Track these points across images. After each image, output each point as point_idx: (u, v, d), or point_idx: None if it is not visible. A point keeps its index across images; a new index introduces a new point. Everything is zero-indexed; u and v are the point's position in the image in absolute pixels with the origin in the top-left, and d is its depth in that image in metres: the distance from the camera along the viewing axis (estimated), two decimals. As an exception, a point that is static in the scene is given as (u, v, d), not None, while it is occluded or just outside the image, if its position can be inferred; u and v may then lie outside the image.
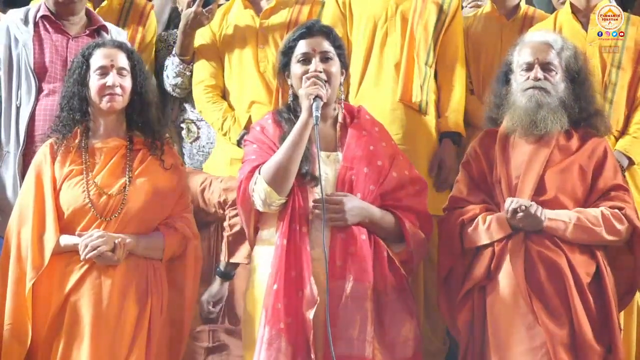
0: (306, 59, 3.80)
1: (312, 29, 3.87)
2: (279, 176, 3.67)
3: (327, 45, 3.82)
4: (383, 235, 3.79)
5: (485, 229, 3.88)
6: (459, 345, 4.02)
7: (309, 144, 3.72)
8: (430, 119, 4.77)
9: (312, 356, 3.58)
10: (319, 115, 3.69)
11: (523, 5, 5.04)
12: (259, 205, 3.73)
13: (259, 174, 3.71)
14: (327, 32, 3.87)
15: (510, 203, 3.82)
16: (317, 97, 3.70)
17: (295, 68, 3.82)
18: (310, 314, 3.59)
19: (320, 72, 3.76)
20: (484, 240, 3.89)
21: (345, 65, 3.90)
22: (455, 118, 4.74)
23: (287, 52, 3.87)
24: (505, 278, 3.82)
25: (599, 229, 3.83)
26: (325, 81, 3.75)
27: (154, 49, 5.04)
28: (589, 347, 3.74)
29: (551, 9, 5.15)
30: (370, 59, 4.76)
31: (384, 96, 4.69)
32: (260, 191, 3.69)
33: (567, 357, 3.72)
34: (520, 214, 3.79)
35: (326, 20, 4.71)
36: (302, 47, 3.82)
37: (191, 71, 4.86)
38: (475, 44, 4.92)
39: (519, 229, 3.83)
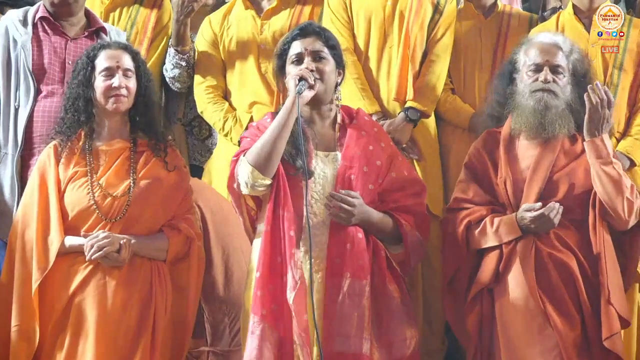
0: (299, 59, 3.82)
1: (305, 30, 3.88)
2: (263, 155, 3.66)
3: (319, 45, 3.83)
4: (381, 237, 3.79)
5: (494, 231, 3.86)
6: (467, 349, 4.01)
7: (306, 142, 3.72)
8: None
9: (295, 339, 3.57)
10: (303, 89, 3.68)
11: (499, 3, 5.01)
12: (243, 188, 3.73)
13: (244, 156, 3.71)
14: (320, 33, 3.87)
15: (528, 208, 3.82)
16: (302, 78, 3.70)
17: (290, 69, 3.83)
18: (291, 298, 3.59)
19: (312, 70, 3.76)
20: (492, 242, 3.87)
21: (341, 66, 3.89)
22: (419, 93, 4.66)
23: (281, 55, 3.89)
24: (515, 280, 3.80)
25: (620, 198, 3.81)
26: (318, 78, 3.75)
27: (169, 32, 4.95)
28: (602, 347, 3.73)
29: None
30: (368, 57, 4.75)
31: (381, 94, 4.69)
32: (243, 173, 3.70)
33: (579, 359, 3.71)
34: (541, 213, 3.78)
35: (327, 19, 4.71)
36: (295, 48, 3.84)
37: (187, 62, 4.83)
38: (455, 43, 4.87)
39: (529, 231, 3.81)
